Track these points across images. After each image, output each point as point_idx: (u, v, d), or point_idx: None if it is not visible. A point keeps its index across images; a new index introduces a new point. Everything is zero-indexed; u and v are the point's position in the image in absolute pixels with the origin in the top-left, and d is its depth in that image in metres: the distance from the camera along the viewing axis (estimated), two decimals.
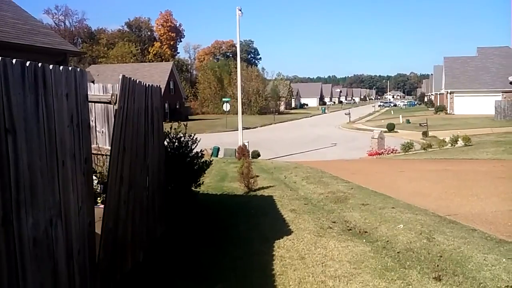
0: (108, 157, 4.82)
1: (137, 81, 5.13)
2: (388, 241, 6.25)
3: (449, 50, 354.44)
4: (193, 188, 8.23)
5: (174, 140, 7.95)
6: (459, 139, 25.02)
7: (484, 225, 6.96)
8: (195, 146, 8.25)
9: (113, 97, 4.67)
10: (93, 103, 7.35)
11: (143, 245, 5.84)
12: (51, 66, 3.44)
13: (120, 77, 4.39)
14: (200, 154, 8.27)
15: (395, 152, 24.50)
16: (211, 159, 8.52)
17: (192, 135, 8.33)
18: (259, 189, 10.51)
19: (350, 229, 6.99)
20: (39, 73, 3.24)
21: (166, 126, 7.97)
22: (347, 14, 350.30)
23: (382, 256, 5.63)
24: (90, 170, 4.22)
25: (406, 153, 23.79)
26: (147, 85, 5.78)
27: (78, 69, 4.03)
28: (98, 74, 57.76)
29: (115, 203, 4.73)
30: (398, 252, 5.77)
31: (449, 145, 25.18)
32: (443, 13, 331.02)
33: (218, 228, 7.22)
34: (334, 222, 7.39)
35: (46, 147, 3.31)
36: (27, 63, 3.08)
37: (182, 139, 8.02)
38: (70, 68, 3.85)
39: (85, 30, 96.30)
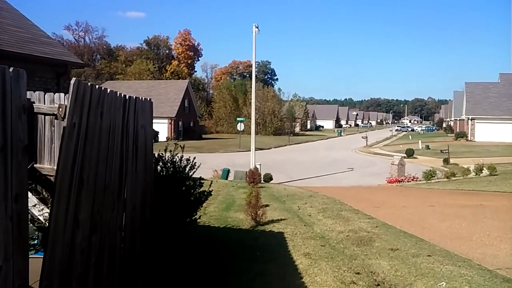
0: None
1: (108, 90, 3.90)
2: None
3: (467, 76, 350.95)
4: (191, 220, 6.94)
5: (168, 165, 6.68)
6: (484, 167, 23.60)
7: None
8: (194, 172, 6.97)
9: (60, 109, 3.41)
10: None
11: None
12: None
13: (72, 81, 3.15)
14: (198, 183, 6.97)
15: (416, 180, 23.18)
16: (210, 190, 7.16)
17: (191, 158, 7.06)
18: (268, 222, 9.14)
19: (378, 285, 5.59)
20: None
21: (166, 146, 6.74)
22: (365, 37, 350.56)
23: None
24: (23, 212, 2.95)
25: (428, 181, 22.39)
26: (127, 97, 4.55)
27: (11, 69, 2.81)
28: (113, 90, 57.32)
29: (64, 255, 3.42)
30: None
31: (473, 173, 23.76)
32: (462, 39, 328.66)
33: (215, 276, 5.87)
34: (358, 274, 5.99)
35: None
36: None
37: (178, 163, 6.75)
38: None
39: (104, 46, 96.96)
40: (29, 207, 4.44)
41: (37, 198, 4.55)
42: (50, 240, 3.25)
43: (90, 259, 3.92)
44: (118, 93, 4.28)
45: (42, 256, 3.43)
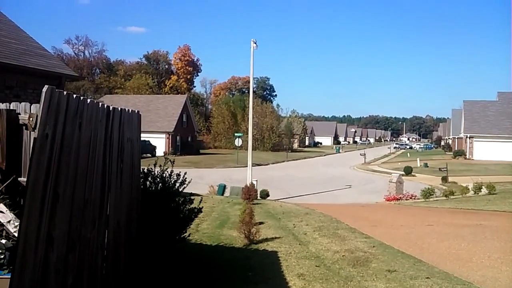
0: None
1: (88, 100, 3.69)
2: None
3: (466, 94, 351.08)
4: (181, 238, 6.68)
5: (157, 180, 6.46)
6: (483, 186, 23.39)
7: None
8: (184, 188, 6.74)
9: (31, 119, 3.20)
10: None
11: None
12: None
13: (44, 89, 2.94)
14: (188, 199, 6.73)
15: (414, 198, 22.93)
16: (200, 206, 6.94)
17: (182, 174, 6.84)
18: (262, 241, 8.86)
19: None
20: None
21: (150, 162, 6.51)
22: (364, 55, 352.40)
23: None
24: None
25: (427, 199, 22.14)
26: (110, 108, 4.34)
27: None
28: (112, 104, 57.14)
29: (35, 274, 3.18)
30: None
31: (472, 192, 23.54)
32: (460, 58, 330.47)
33: None
34: None
35: None
36: None
37: (167, 179, 6.52)
38: None
39: (104, 61, 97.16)
40: (3, 223, 4.19)
41: (13, 213, 4.31)
42: (19, 258, 3.00)
43: (67, 279, 3.66)
44: (101, 104, 4.07)
45: (10, 277, 3.18)
